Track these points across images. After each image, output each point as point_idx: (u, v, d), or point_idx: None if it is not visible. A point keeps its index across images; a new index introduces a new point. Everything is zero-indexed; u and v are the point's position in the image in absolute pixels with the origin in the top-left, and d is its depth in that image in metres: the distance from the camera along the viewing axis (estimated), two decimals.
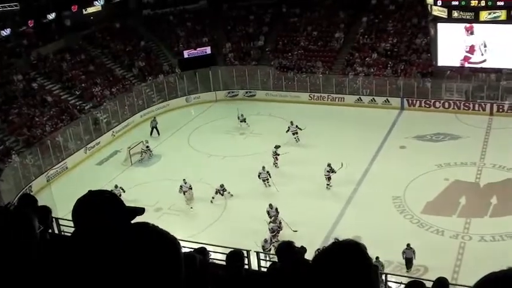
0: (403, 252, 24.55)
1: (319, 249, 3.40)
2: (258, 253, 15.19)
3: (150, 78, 47.80)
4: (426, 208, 29.57)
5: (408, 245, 24.55)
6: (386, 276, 16.98)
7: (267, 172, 32.00)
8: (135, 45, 51.28)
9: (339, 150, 35.16)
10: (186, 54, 48.76)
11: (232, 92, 47.96)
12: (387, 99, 44.21)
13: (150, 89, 46.90)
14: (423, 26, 46.12)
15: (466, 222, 28.19)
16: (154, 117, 41.84)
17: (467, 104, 42.64)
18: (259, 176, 32.03)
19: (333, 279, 2.29)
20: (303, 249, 11.33)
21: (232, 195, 31.29)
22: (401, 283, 17.26)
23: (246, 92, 47.72)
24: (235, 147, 37.92)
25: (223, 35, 52.44)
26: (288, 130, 36.94)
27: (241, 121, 40.93)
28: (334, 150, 35.38)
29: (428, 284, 10.00)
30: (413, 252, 24.46)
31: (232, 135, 40.46)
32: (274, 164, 34.53)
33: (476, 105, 42.48)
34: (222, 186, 30.91)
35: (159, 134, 40.93)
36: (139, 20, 53.64)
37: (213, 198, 30.92)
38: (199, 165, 35.70)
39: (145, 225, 2.40)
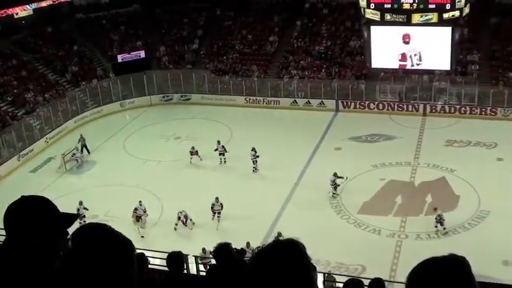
0: None
1: (259, 247, 3.41)
2: (196, 257, 15.03)
3: (83, 83, 46.85)
4: (363, 208, 29.88)
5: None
6: (324, 276, 17.03)
7: (220, 204, 29.13)
8: (68, 49, 50.22)
9: (276, 153, 35.39)
10: (120, 58, 48.15)
11: (167, 96, 47.50)
12: (322, 101, 44.52)
13: (84, 94, 46.03)
14: (357, 29, 46.59)
15: (402, 221, 28.61)
16: (81, 135, 39.21)
17: (400, 105, 43.34)
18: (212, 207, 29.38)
19: (272, 277, 2.30)
20: (242, 251, 11.32)
21: (194, 223, 28.77)
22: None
23: (181, 96, 47.33)
24: (171, 152, 37.51)
25: (157, 38, 51.93)
26: (216, 149, 35.29)
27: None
28: (270, 152, 35.43)
29: (366, 282, 10.01)
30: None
31: (167, 139, 40.04)
32: (254, 168, 34.55)
33: (410, 106, 43.21)
34: (182, 212, 28.40)
35: (89, 152, 38.61)
36: (72, 24, 52.69)
37: (176, 225, 28.53)
38: (136, 170, 35.23)
39: (98, 226, 2.42)
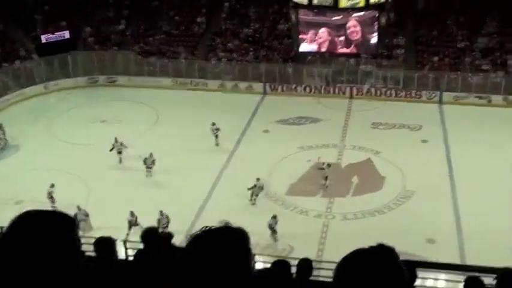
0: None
1: (201, 228, 3.34)
2: (125, 241, 14.75)
3: (5, 64, 45.45)
4: (290, 190, 30.04)
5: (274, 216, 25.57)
6: (253, 257, 17.03)
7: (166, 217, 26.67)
8: None
9: (203, 135, 35.11)
10: (43, 39, 46.72)
11: (93, 78, 46.51)
12: (250, 84, 44.45)
13: (6, 76, 44.63)
14: (284, 12, 46.56)
15: (329, 201, 28.91)
16: (0, 125, 36.91)
17: (327, 88, 43.68)
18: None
19: (209, 262, 2.33)
20: (169, 235, 11.26)
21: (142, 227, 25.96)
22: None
23: (107, 78, 46.40)
24: (97, 135, 36.64)
25: (82, 18, 50.63)
26: (111, 149, 33.12)
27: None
28: (197, 135, 35.26)
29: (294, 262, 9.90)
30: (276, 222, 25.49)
31: (93, 122, 39.18)
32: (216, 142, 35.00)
33: (337, 89, 43.60)
34: (132, 213, 26.30)
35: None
36: None
37: (127, 235, 24.97)
38: (61, 154, 34.32)
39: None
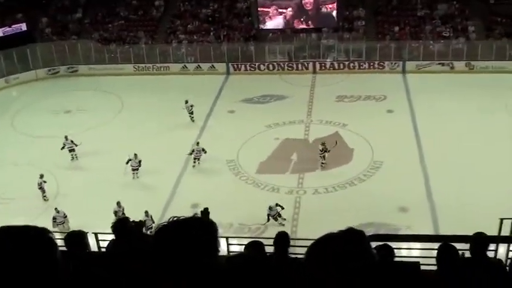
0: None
1: (175, 216, 3.33)
2: (96, 234, 14.53)
3: None
4: (260, 168, 29.99)
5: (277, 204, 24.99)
6: (227, 239, 16.89)
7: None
8: None
9: (169, 119, 34.97)
10: (0, 32, 45.96)
11: (54, 69, 45.81)
12: (212, 65, 44.18)
13: None
14: None
15: (299, 177, 28.90)
16: None
17: (290, 65, 43.62)
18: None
19: (177, 250, 2.39)
20: (140, 223, 11.21)
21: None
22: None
23: (68, 68, 45.75)
24: (62, 126, 35.98)
25: (38, 9, 49.80)
26: (63, 147, 31.82)
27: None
28: (163, 119, 35.17)
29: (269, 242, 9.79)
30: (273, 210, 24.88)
31: (57, 113, 38.62)
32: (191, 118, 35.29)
33: (300, 65, 43.55)
34: (119, 204, 25.31)
35: None
36: None
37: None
38: (26, 148, 33.73)
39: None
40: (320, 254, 2.39)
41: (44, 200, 27.92)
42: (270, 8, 42.18)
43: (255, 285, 4.90)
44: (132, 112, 37.05)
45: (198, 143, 30.88)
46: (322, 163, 29.77)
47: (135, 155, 29.16)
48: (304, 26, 43.77)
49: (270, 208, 24.68)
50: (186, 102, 35.33)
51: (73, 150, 31.87)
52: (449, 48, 42.10)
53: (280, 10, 43.14)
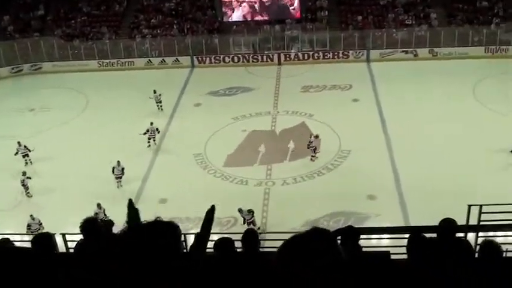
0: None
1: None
2: (63, 234, 14.36)
3: None
4: (228, 161, 29.90)
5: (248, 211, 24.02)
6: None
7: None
8: None
9: (135, 115, 34.72)
10: None
11: (17, 67, 45.18)
12: (177, 58, 44.02)
13: None
14: None
15: (267, 169, 28.87)
16: None
17: (255, 56, 43.61)
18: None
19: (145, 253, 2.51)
20: (109, 222, 11.12)
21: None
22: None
23: (32, 66, 45.14)
24: (28, 125, 35.47)
25: None
26: (16, 153, 30.83)
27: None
28: (129, 114, 34.93)
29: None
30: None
31: (22, 112, 38.04)
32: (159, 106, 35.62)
33: (265, 57, 43.58)
34: (99, 206, 24.70)
35: None
36: None
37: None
38: None
39: None
40: (288, 255, 2.50)
41: (27, 196, 27.79)
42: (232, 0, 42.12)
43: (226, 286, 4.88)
44: (97, 109, 36.77)
45: (151, 123, 31.35)
46: (313, 156, 29.33)
47: (118, 162, 28.14)
48: (262, 18, 43.89)
49: (240, 211, 24.10)
50: (155, 92, 35.54)
51: (27, 155, 31.02)
52: (412, 36, 42.43)
53: (242, 2, 43.15)
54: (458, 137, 29.95)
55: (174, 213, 22.40)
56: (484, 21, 43.07)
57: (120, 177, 28.19)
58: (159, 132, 31.57)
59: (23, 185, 27.70)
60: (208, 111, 35.69)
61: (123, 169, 28.13)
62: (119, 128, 33.52)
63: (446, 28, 42.69)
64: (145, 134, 31.13)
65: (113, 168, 28.03)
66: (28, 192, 27.87)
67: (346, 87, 37.75)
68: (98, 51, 44.94)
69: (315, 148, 29.29)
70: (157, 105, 35.78)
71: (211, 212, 6.12)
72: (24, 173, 27.87)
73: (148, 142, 31.28)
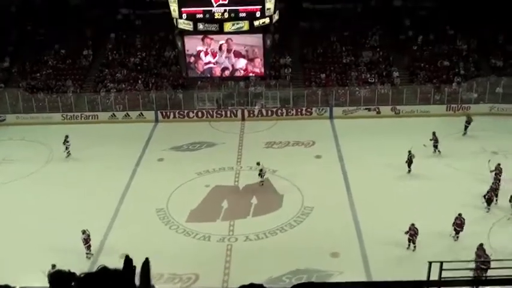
0: None
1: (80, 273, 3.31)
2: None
3: None
4: (190, 216, 29.74)
5: None
6: None
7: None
8: None
9: (98, 169, 34.55)
10: None
11: None
12: (141, 113, 44.05)
13: None
14: (171, 39, 46.46)
15: (230, 224, 28.76)
16: None
17: (219, 112, 43.82)
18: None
19: None
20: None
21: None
22: None
23: None
24: None
25: None
26: None
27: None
28: (92, 169, 34.76)
29: None
30: None
31: None
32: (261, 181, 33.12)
33: (228, 112, 43.79)
34: (84, 232, 26.07)
35: None
36: None
37: (88, 254, 26.29)
38: None
39: None
40: None
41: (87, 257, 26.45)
42: (196, 57, 42.41)
43: None
44: (60, 162, 36.44)
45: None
46: (261, 181, 31.45)
47: (84, 230, 26.67)
48: (231, 74, 44.13)
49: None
50: (67, 137, 36.74)
51: None
52: (375, 94, 43.10)
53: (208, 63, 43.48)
54: (421, 193, 30.27)
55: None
56: (446, 80, 44.00)
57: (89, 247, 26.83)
58: None
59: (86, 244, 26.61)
60: (172, 166, 35.60)
61: (88, 235, 26.68)
62: (80, 182, 33.25)
63: (408, 86, 43.53)
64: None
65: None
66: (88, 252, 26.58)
67: (309, 144, 38.04)
68: (62, 104, 44.72)
69: (262, 175, 32.01)
70: (67, 152, 36.79)
71: (146, 264, 6.06)
72: (84, 232, 26.62)
73: None
